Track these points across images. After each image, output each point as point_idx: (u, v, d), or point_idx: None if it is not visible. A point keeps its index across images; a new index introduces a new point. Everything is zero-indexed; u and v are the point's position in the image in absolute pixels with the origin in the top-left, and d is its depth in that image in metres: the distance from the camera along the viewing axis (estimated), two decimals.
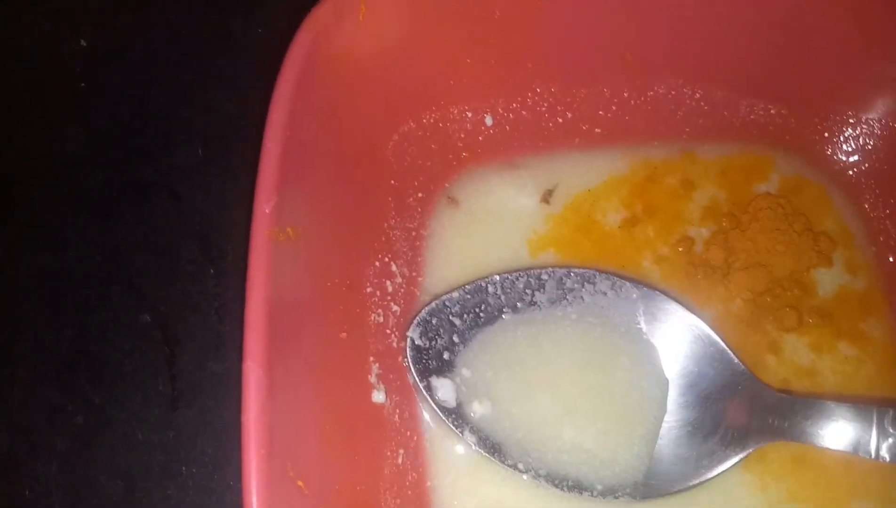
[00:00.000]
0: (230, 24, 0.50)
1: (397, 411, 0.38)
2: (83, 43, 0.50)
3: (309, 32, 0.34)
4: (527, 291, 0.40)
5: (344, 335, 0.36)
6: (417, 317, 0.39)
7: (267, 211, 0.31)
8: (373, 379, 0.37)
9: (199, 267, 0.45)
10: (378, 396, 0.37)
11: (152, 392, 0.42)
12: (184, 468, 0.41)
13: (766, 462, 0.38)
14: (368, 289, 0.38)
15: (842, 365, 0.40)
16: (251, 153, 0.47)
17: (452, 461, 0.39)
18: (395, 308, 0.40)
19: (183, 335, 0.43)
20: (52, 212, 0.46)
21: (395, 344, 0.39)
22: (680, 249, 0.42)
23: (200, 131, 0.48)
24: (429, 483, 0.38)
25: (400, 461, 0.37)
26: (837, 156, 0.43)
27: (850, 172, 0.43)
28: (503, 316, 0.40)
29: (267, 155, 0.32)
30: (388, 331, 0.39)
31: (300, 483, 0.30)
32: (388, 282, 0.40)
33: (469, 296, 0.40)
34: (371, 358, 0.37)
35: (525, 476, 0.37)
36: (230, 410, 0.42)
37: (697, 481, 0.37)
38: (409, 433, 0.38)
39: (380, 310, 0.39)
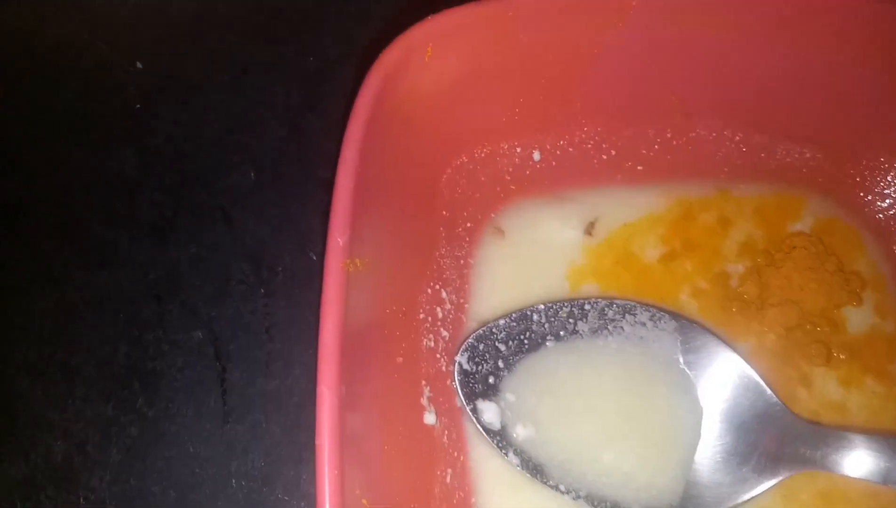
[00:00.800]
0: (282, 51, 0.52)
1: (446, 432, 0.40)
2: (139, 65, 0.52)
3: (379, 73, 0.36)
4: (570, 320, 0.42)
5: (400, 359, 0.37)
6: (465, 343, 0.41)
7: (340, 243, 0.33)
8: (424, 401, 0.39)
9: (250, 288, 0.46)
10: (429, 418, 0.39)
11: (204, 407, 0.44)
12: (234, 481, 0.42)
13: (794, 497, 0.40)
14: (421, 316, 0.40)
15: (869, 400, 0.42)
16: (301, 177, 0.49)
17: (497, 480, 0.40)
18: (445, 333, 0.41)
19: (234, 352, 0.45)
20: (107, 231, 0.47)
21: (444, 368, 0.41)
22: (716, 284, 0.44)
23: (252, 156, 0.49)
24: (474, 501, 0.39)
25: (448, 480, 0.39)
26: (869, 200, 0.45)
27: (880, 216, 0.45)
28: (547, 343, 0.42)
29: (340, 190, 0.34)
30: (437, 356, 0.41)
31: (364, 501, 0.32)
32: (438, 309, 0.41)
33: (514, 324, 0.42)
34: (423, 382, 0.39)
35: (566, 497, 0.39)
36: (279, 426, 0.44)
37: (730, 504, 0.38)
38: (456, 453, 0.40)
39: (431, 336, 0.40)
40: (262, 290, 0.46)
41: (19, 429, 0.43)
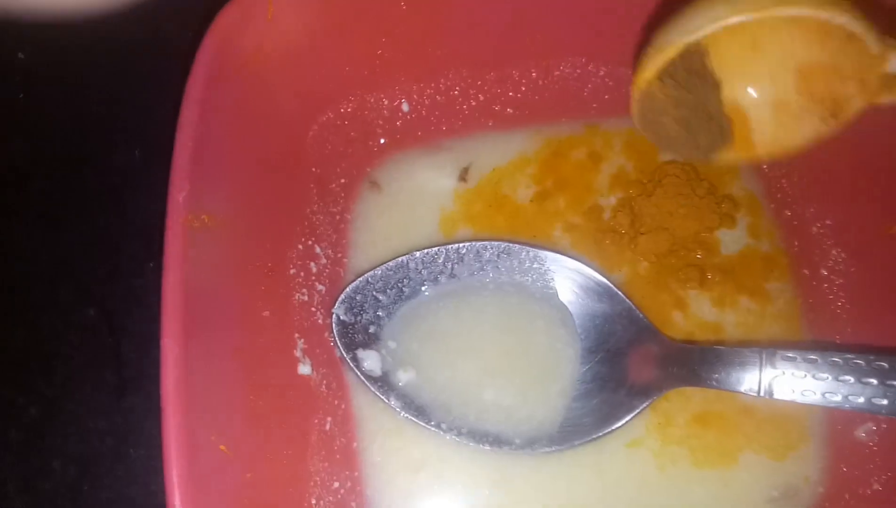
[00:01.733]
0: (161, 32, 0.52)
1: (324, 382, 0.41)
2: (20, 56, 0.52)
3: (215, 35, 0.36)
4: (447, 265, 0.42)
5: (267, 313, 0.38)
6: (342, 295, 0.42)
7: (180, 199, 0.34)
8: (298, 353, 0.40)
9: (141, 263, 0.47)
10: (304, 369, 0.39)
11: (101, 382, 0.45)
12: (132, 450, 0.43)
13: (670, 422, 0.41)
14: (292, 271, 0.41)
15: (744, 318, 0.43)
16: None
17: (379, 425, 0.41)
18: (321, 287, 0.42)
19: (128, 327, 0.46)
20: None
21: (321, 321, 0.42)
22: (589, 218, 0.45)
23: (137, 135, 0.50)
24: (356, 446, 0.40)
25: (328, 427, 0.40)
26: None
27: None
28: (425, 289, 0.42)
29: (179, 148, 0.34)
30: (313, 309, 0.41)
31: (223, 447, 0.33)
32: (312, 264, 0.42)
33: (392, 273, 0.42)
34: (296, 335, 0.40)
35: (449, 435, 0.40)
36: None
37: (608, 429, 0.40)
38: (336, 401, 0.41)
39: (304, 290, 0.41)
40: (152, 264, 0.47)
41: None
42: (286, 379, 0.39)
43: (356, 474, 0.40)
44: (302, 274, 0.41)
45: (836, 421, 0.40)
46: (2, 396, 0.45)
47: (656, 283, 0.43)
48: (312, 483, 0.37)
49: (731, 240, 0.44)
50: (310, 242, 0.42)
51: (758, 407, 0.41)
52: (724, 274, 0.43)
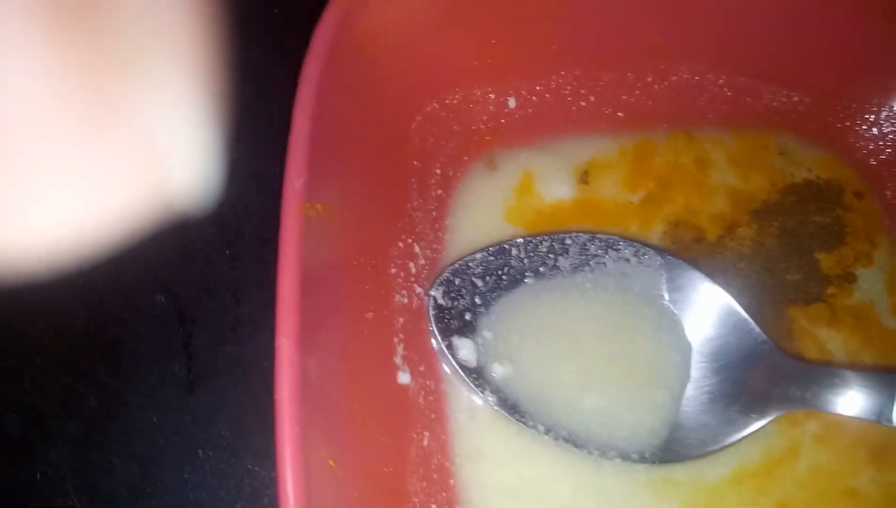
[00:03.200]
0: (246, 1, 0.49)
1: (422, 393, 0.38)
2: None
3: (337, 10, 0.33)
4: (550, 255, 0.40)
5: (370, 315, 0.35)
6: (441, 277, 0.39)
7: (298, 185, 0.30)
8: (398, 360, 0.37)
9: (216, 249, 0.44)
10: (403, 377, 0.36)
11: (168, 375, 0.41)
12: (200, 451, 0.40)
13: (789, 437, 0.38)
14: (393, 270, 0.38)
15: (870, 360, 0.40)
16: (269, 133, 0.47)
17: (477, 442, 0.38)
18: (419, 289, 0.39)
19: (199, 317, 0.43)
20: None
21: (419, 326, 0.39)
22: (697, 229, 0.42)
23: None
24: (451, 466, 0.37)
25: (425, 443, 0.37)
26: (860, 145, 0.43)
27: (872, 161, 0.43)
28: (526, 279, 0.40)
29: (297, 131, 0.31)
30: (412, 312, 0.38)
31: (332, 462, 0.30)
32: (411, 264, 0.39)
33: (492, 258, 0.40)
34: (396, 339, 0.37)
35: (546, 437, 0.37)
36: (248, 393, 0.41)
37: (717, 447, 0.37)
38: (433, 415, 0.38)
39: (404, 292, 0.38)
40: (228, 252, 0.44)
41: None
42: (386, 388, 0.36)
43: (453, 496, 0.36)
44: (402, 274, 0.38)
45: None
46: (61, 384, 0.41)
47: (775, 309, 0.40)
48: (411, 505, 0.34)
49: (867, 280, 0.41)
50: (409, 240, 0.39)
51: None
52: (857, 319, 0.40)
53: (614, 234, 0.40)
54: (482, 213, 0.42)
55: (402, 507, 0.34)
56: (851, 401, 0.35)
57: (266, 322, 0.43)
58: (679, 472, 0.37)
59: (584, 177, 0.43)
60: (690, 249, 0.42)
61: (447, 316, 0.39)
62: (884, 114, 0.42)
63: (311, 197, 0.31)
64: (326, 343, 0.31)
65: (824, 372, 0.36)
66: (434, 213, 0.41)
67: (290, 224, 0.30)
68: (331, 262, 0.33)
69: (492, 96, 0.42)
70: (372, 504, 0.32)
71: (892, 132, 0.43)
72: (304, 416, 0.28)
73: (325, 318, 0.31)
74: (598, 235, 0.40)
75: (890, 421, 0.34)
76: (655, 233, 0.42)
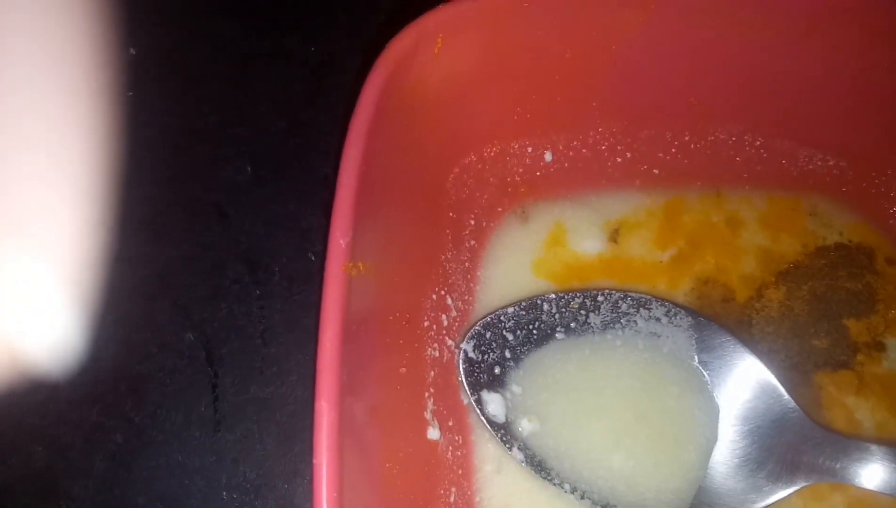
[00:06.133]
0: (284, 42, 0.50)
1: (450, 448, 0.38)
2: (132, 51, 0.49)
3: (386, 65, 0.33)
4: (581, 312, 0.40)
5: (403, 370, 0.35)
6: (472, 330, 0.39)
7: (343, 245, 0.31)
8: (428, 415, 0.37)
9: (245, 289, 0.44)
10: (433, 433, 0.36)
11: (194, 414, 0.42)
12: (224, 493, 0.40)
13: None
14: (426, 323, 0.38)
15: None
16: (301, 174, 0.47)
17: (503, 499, 0.38)
18: (450, 342, 0.39)
19: (227, 356, 0.43)
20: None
21: (448, 380, 0.39)
22: (731, 288, 0.42)
23: (250, 150, 0.47)
24: None
25: (452, 499, 0.37)
26: (893, 211, 0.43)
27: None
28: (556, 335, 0.40)
29: (343, 190, 0.31)
30: (442, 366, 0.38)
31: None
32: (444, 316, 0.39)
33: (524, 313, 0.40)
34: (426, 394, 0.37)
35: (572, 496, 0.37)
36: (272, 436, 0.41)
37: None
38: (460, 471, 0.38)
39: (435, 345, 0.38)
40: (258, 292, 0.44)
41: None
42: (416, 445, 0.36)
43: None
44: (434, 327, 0.38)
45: None
46: (88, 418, 0.41)
47: (802, 375, 0.40)
48: None
49: (894, 347, 0.41)
50: (443, 292, 0.39)
51: None
52: (885, 388, 0.40)
53: (643, 292, 0.40)
54: (513, 265, 0.42)
55: None
56: (880, 476, 0.35)
57: (292, 364, 0.43)
58: None
59: (615, 235, 0.43)
60: (718, 309, 0.42)
61: (477, 370, 0.39)
62: None
63: (354, 255, 0.31)
64: (362, 401, 0.31)
65: (854, 445, 0.36)
66: (467, 264, 0.41)
67: (334, 286, 0.30)
68: (368, 319, 0.33)
69: (529, 149, 0.42)
70: None
71: None
72: (342, 481, 0.28)
73: (362, 376, 0.32)
74: (631, 293, 0.40)
75: None
76: (683, 290, 0.42)
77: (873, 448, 0.35)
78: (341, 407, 0.29)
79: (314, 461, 0.28)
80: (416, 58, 0.35)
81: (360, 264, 0.32)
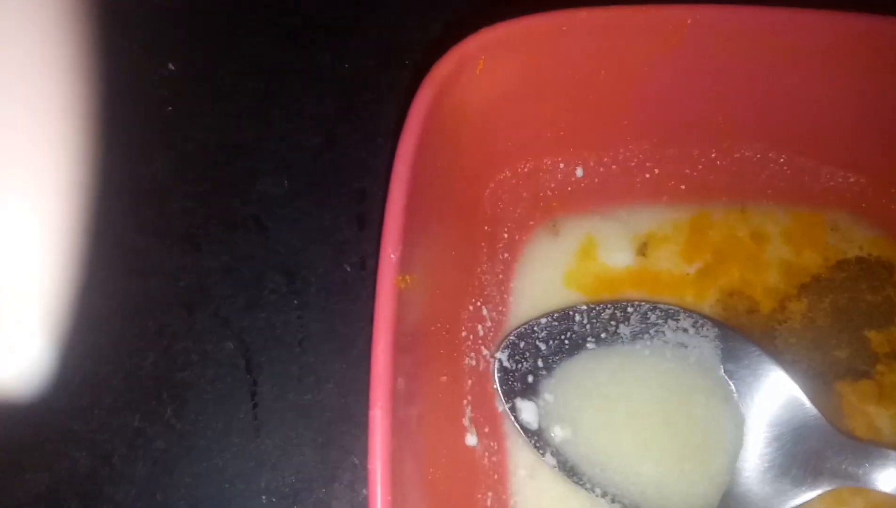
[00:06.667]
0: (317, 58, 0.51)
1: (486, 454, 0.39)
2: (171, 67, 0.51)
3: (432, 86, 0.35)
4: (612, 322, 0.41)
5: (444, 379, 0.37)
6: (506, 340, 0.40)
7: (394, 259, 0.32)
8: (466, 422, 0.38)
9: (283, 299, 0.45)
10: (471, 439, 0.38)
11: (234, 420, 0.43)
12: (263, 497, 0.41)
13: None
14: (463, 333, 0.39)
15: None
16: (335, 187, 0.48)
17: (536, 503, 0.39)
18: (485, 352, 0.40)
19: (265, 365, 0.44)
20: (137, 238, 0.46)
21: (484, 388, 0.40)
22: (756, 300, 0.43)
23: (286, 164, 0.48)
24: None
25: (489, 503, 0.38)
26: None
27: None
28: (587, 345, 0.41)
29: (393, 205, 0.33)
30: (479, 374, 0.40)
31: None
32: (479, 326, 0.40)
33: (556, 323, 0.41)
34: (465, 401, 0.38)
35: (604, 500, 0.39)
36: (311, 442, 0.43)
37: None
38: (496, 476, 0.39)
39: (472, 354, 0.40)
40: (296, 302, 0.45)
41: (43, 440, 0.42)
42: (457, 451, 0.37)
43: None
44: (471, 337, 0.40)
45: None
46: (129, 425, 0.42)
47: (824, 384, 0.42)
48: None
49: None
50: (479, 303, 0.41)
51: None
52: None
53: (671, 303, 0.42)
54: (544, 277, 0.44)
55: None
56: None
57: (329, 372, 0.44)
58: None
59: (643, 249, 0.44)
60: (743, 320, 0.43)
61: (511, 379, 0.40)
62: None
63: (402, 268, 0.32)
64: (411, 409, 0.32)
65: (875, 451, 0.38)
66: (501, 276, 0.43)
67: (386, 298, 0.31)
68: (415, 329, 0.34)
69: (561, 165, 0.44)
70: None
71: None
72: (395, 489, 0.29)
73: (411, 384, 0.33)
74: (659, 305, 0.41)
75: None
76: (709, 302, 0.43)
77: (893, 454, 0.37)
78: (394, 414, 0.30)
79: (369, 466, 0.29)
80: (458, 79, 0.36)
81: (407, 277, 0.33)
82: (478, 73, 0.37)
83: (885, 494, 0.38)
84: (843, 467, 0.38)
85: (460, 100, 0.37)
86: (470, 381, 0.39)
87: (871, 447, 0.38)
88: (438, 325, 0.37)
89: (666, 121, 0.43)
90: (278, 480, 0.42)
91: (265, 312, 0.45)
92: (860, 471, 0.37)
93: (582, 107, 0.41)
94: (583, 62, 0.39)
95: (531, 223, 0.44)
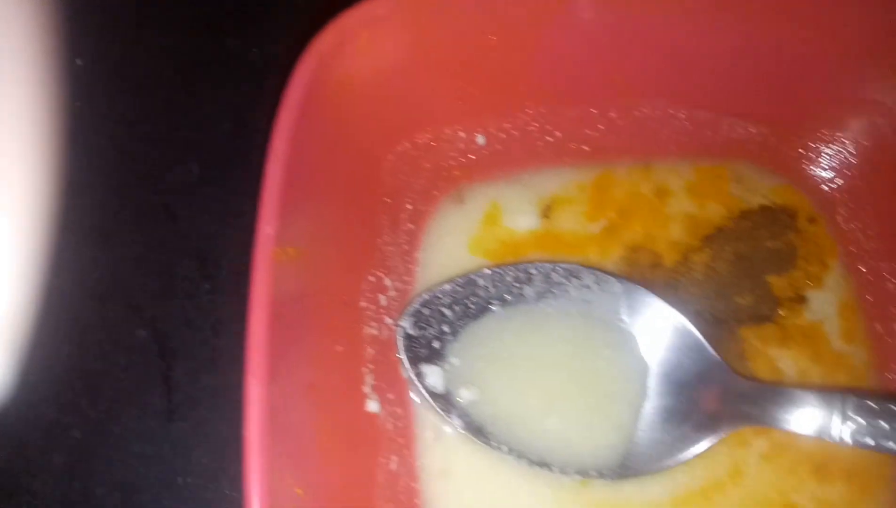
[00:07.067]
0: (227, 45, 0.51)
1: (390, 419, 0.39)
2: (78, 62, 0.51)
3: (312, 58, 0.35)
4: (515, 284, 0.41)
5: (340, 348, 0.37)
6: (410, 308, 0.41)
7: (269, 233, 0.32)
8: (367, 389, 0.38)
9: (195, 284, 0.46)
10: (372, 405, 0.38)
11: (148, 406, 0.43)
12: (179, 479, 0.42)
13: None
14: (363, 304, 0.40)
15: (816, 376, 0.42)
16: (247, 172, 0.48)
17: (443, 464, 0.40)
18: (389, 320, 0.41)
19: (179, 349, 0.44)
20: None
21: (387, 356, 0.40)
22: (659, 254, 0.44)
23: (197, 152, 0.49)
24: (418, 487, 0.39)
25: (393, 467, 0.38)
26: (814, 173, 0.45)
27: (825, 188, 0.45)
28: (492, 308, 0.41)
29: (269, 180, 0.33)
30: (381, 343, 0.40)
31: (299, 490, 0.31)
32: (381, 297, 0.41)
33: (460, 289, 0.41)
34: (364, 370, 0.38)
35: (510, 457, 0.39)
36: (225, 422, 0.43)
37: (672, 463, 0.39)
38: (401, 440, 0.39)
39: (374, 323, 0.40)
40: (207, 286, 0.45)
41: None
42: (354, 417, 0.37)
43: None
44: (372, 307, 0.40)
45: None
46: (45, 416, 0.43)
47: (728, 331, 0.42)
48: None
49: (817, 302, 0.43)
50: (380, 274, 0.41)
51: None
52: (806, 338, 0.42)
53: (575, 263, 0.42)
54: (450, 246, 0.44)
55: None
56: (797, 417, 0.37)
57: (242, 353, 0.44)
58: (631, 489, 0.39)
59: (547, 211, 0.45)
60: (647, 274, 0.44)
61: (416, 345, 0.40)
62: (834, 144, 0.44)
63: (282, 242, 0.33)
64: (295, 378, 0.33)
65: (772, 391, 0.38)
66: (405, 247, 0.43)
67: (261, 270, 0.31)
68: (301, 301, 0.35)
69: (461, 134, 0.44)
70: None
71: (843, 161, 0.45)
72: (271, 449, 0.30)
73: (294, 355, 0.33)
74: (561, 264, 0.42)
75: (830, 436, 0.35)
76: (613, 259, 0.44)
77: (789, 391, 0.37)
78: (270, 382, 0.30)
79: (244, 434, 0.29)
80: (341, 53, 0.36)
81: (289, 249, 0.33)
82: (361, 46, 0.37)
83: (787, 432, 0.39)
84: (744, 408, 0.38)
85: (345, 74, 0.37)
86: (371, 350, 0.39)
87: (771, 387, 0.39)
88: (333, 296, 0.37)
89: (561, 83, 0.43)
90: (193, 461, 0.42)
91: (177, 298, 0.45)
92: (761, 411, 0.38)
93: (475, 74, 0.41)
94: (470, 29, 0.39)
95: (436, 193, 0.45)
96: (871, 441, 0.35)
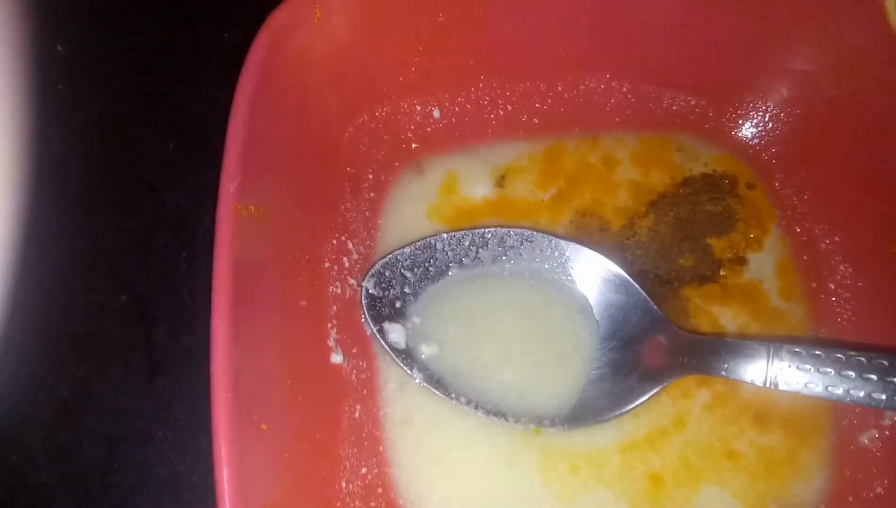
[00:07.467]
0: (199, 30, 0.54)
1: (354, 372, 0.42)
2: (59, 48, 0.54)
3: (267, 35, 0.38)
4: (471, 248, 0.44)
5: (304, 303, 0.40)
6: (372, 269, 0.44)
7: (231, 189, 0.35)
8: (331, 342, 0.41)
9: (173, 251, 0.49)
10: (336, 358, 0.41)
11: (131, 364, 0.46)
12: (160, 432, 0.45)
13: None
14: (327, 264, 0.43)
15: (756, 329, 0.45)
16: (220, 148, 0.51)
17: (405, 414, 0.43)
18: (352, 281, 0.44)
19: (159, 313, 0.47)
20: (37, 205, 0.49)
21: (352, 314, 0.43)
22: (607, 218, 0.47)
23: (173, 129, 0.52)
24: (382, 435, 0.42)
25: (357, 415, 0.41)
26: (751, 141, 0.48)
27: (764, 156, 0.48)
28: (450, 271, 0.45)
29: (231, 141, 0.36)
30: (345, 302, 0.43)
31: (264, 426, 0.34)
32: (345, 259, 0.44)
33: (419, 252, 0.44)
34: (329, 325, 0.41)
35: (468, 407, 0.42)
36: (203, 380, 0.45)
37: (619, 412, 0.42)
38: (365, 391, 0.42)
39: (338, 283, 0.43)
40: (184, 254, 0.48)
41: None
42: (320, 367, 0.40)
43: (383, 460, 0.41)
44: (336, 268, 0.43)
45: (841, 429, 0.42)
46: (35, 374, 0.46)
47: (672, 290, 0.45)
48: (342, 468, 0.39)
49: (756, 263, 0.46)
50: (343, 238, 0.44)
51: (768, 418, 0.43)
52: (746, 296, 0.45)
53: (528, 228, 0.45)
54: (410, 213, 0.47)
55: (332, 468, 0.38)
56: (732, 366, 0.39)
57: None
58: (581, 437, 0.42)
59: (501, 180, 0.48)
60: (595, 238, 0.47)
61: (379, 305, 0.44)
62: (768, 113, 0.47)
63: (244, 199, 0.36)
64: (260, 324, 0.36)
65: (710, 342, 0.41)
66: (367, 214, 0.46)
67: (225, 223, 0.34)
68: (265, 256, 0.38)
69: (418, 107, 0.47)
70: (303, 464, 0.36)
71: (778, 129, 0.48)
72: (237, 383, 0.33)
73: (260, 304, 0.36)
74: (515, 229, 0.45)
75: (764, 381, 0.38)
76: (563, 224, 0.47)
77: (728, 342, 0.40)
78: (234, 323, 0.33)
79: (211, 369, 0.33)
80: (296, 29, 0.39)
81: (251, 207, 0.36)
82: (316, 22, 0.40)
83: (728, 384, 0.42)
84: (685, 360, 0.41)
85: (301, 47, 0.40)
86: (335, 307, 0.42)
87: (709, 338, 0.42)
88: (297, 254, 0.40)
89: (509, 58, 0.46)
90: (173, 415, 0.45)
91: (157, 265, 0.48)
92: (700, 361, 0.41)
93: (426, 50, 0.44)
94: (419, 6, 0.42)
95: (396, 164, 0.48)
96: (799, 386, 0.37)
